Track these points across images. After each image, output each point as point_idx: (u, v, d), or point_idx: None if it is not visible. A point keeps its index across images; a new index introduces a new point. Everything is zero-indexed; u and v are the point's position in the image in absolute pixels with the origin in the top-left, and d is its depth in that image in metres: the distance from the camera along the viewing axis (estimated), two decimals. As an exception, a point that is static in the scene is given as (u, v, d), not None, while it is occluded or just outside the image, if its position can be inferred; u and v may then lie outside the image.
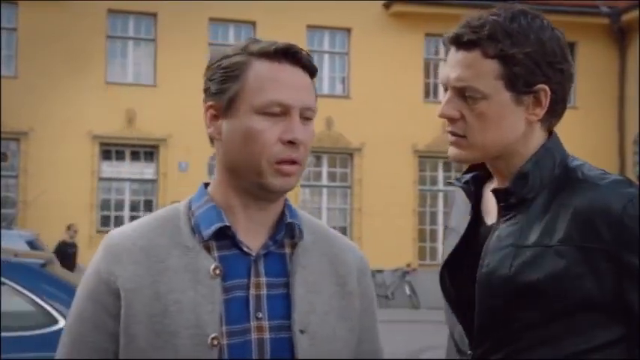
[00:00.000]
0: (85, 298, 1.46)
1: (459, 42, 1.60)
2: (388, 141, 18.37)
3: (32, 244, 10.45)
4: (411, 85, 18.34)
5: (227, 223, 1.45)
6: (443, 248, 1.79)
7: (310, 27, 18.63)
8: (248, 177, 1.45)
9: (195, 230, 1.47)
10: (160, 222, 1.49)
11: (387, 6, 18.78)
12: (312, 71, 1.49)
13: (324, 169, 19.02)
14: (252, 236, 1.47)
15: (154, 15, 18.05)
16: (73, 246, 14.17)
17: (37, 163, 17.01)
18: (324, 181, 19.05)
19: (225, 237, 1.45)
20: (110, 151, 18.05)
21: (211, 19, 18.17)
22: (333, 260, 1.55)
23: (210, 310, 1.40)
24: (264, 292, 1.45)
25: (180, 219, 1.48)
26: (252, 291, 1.44)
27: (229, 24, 18.51)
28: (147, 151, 18.09)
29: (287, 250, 1.50)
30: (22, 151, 17.16)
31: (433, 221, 19.12)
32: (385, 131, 18.31)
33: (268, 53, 1.45)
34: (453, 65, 1.60)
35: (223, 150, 1.48)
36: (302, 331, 1.44)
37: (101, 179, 17.83)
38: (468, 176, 1.74)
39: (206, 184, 1.55)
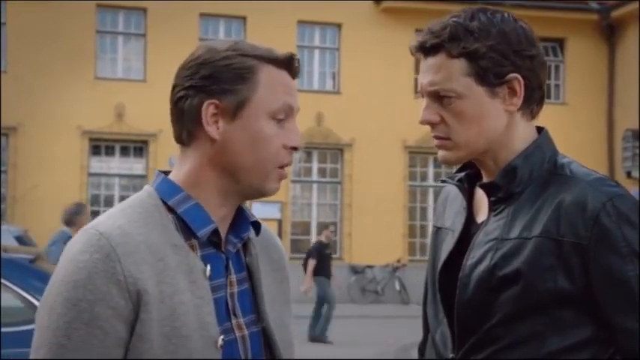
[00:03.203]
0: (92, 303, 1.32)
1: (424, 49, 1.63)
2: (378, 137, 18.39)
3: (21, 240, 10.41)
4: (401, 80, 18.34)
5: (216, 225, 1.43)
6: (435, 248, 1.78)
7: (301, 22, 18.61)
8: (250, 181, 1.44)
9: (178, 227, 1.42)
10: (147, 217, 1.41)
11: (377, 2, 18.78)
12: (295, 77, 1.51)
13: (315, 165, 19.02)
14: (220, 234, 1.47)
15: (144, 10, 18.00)
16: (329, 247, 13.07)
17: (27, 158, 16.94)
18: (315, 176, 19.06)
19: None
20: (99, 146, 18.00)
21: (202, 15, 18.13)
22: (267, 247, 1.57)
23: (209, 311, 1.38)
24: (235, 289, 1.46)
25: (161, 215, 1.42)
26: (228, 290, 1.45)
27: (220, 19, 18.47)
28: (136, 147, 18.05)
29: (238, 245, 1.51)
30: (11, 146, 17.09)
31: (423, 217, 19.15)
32: (375, 127, 18.32)
33: (276, 60, 1.45)
34: (424, 72, 1.64)
35: (221, 151, 1.43)
36: (268, 324, 1.48)
37: (90, 175, 17.78)
38: (461, 174, 1.75)
39: (164, 173, 1.49)
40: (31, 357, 1.37)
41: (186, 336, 1.34)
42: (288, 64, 1.47)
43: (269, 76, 1.44)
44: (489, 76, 1.59)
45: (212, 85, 1.43)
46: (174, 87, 1.48)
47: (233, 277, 1.47)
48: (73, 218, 7.75)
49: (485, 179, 1.69)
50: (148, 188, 1.47)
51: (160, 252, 1.37)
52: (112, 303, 1.32)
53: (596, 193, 1.53)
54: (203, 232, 1.41)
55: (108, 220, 1.39)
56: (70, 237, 7.21)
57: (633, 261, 1.51)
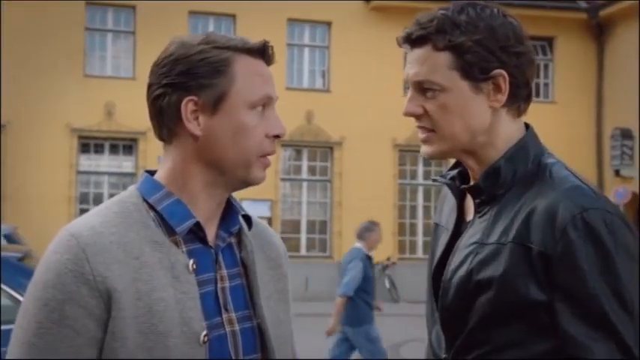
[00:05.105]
0: (61, 302, 1.33)
1: (410, 40, 1.63)
2: (368, 135, 18.39)
3: (9, 238, 10.36)
4: (391, 79, 18.33)
5: (197, 219, 1.43)
6: (432, 245, 1.78)
7: (291, 20, 18.59)
8: (235, 172, 1.44)
9: (159, 224, 1.42)
10: (123, 216, 1.41)
11: (367, 0, 18.78)
12: (270, 64, 1.51)
13: (304, 163, 19.01)
14: (208, 228, 1.46)
15: (133, 8, 17.93)
16: None
17: (15, 155, 16.86)
18: (304, 174, 19.04)
19: (189, 231, 1.43)
20: (89, 144, 17.93)
21: (191, 12, 18.07)
22: (263, 245, 1.57)
23: (192, 306, 1.38)
24: (227, 284, 1.46)
25: (141, 213, 1.42)
26: (219, 284, 1.45)
27: (209, 17, 18.42)
28: (126, 145, 17.99)
29: (233, 240, 1.51)
30: (0, 144, 17.00)
31: (413, 215, 19.17)
32: (365, 125, 18.32)
33: (250, 50, 1.45)
34: (410, 63, 1.63)
35: (205, 146, 1.43)
36: (263, 319, 1.48)
37: (80, 172, 17.71)
38: (453, 172, 1.74)
39: (150, 172, 1.50)
40: (6, 357, 1.39)
41: (164, 332, 1.34)
42: (263, 53, 1.47)
43: (245, 66, 1.43)
44: (474, 70, 1.58)
45: (189, 81, 1.42)
46: (150, 85, 1.46)
47: (224, 272, 1.46)
48: (364, 234, 7.85)
49: (472, 180, 1.68)
50: (131, 188, 1.48)
51: (135, 250, 1.37)
52: (82, 302, 1.33)
53: (567, 204, 1.49)
54: (182, 228, 1.41)
55: (82, 220, 1.42)
56: (360, 252, 7.55)
57: (596, 279, 1.46)
